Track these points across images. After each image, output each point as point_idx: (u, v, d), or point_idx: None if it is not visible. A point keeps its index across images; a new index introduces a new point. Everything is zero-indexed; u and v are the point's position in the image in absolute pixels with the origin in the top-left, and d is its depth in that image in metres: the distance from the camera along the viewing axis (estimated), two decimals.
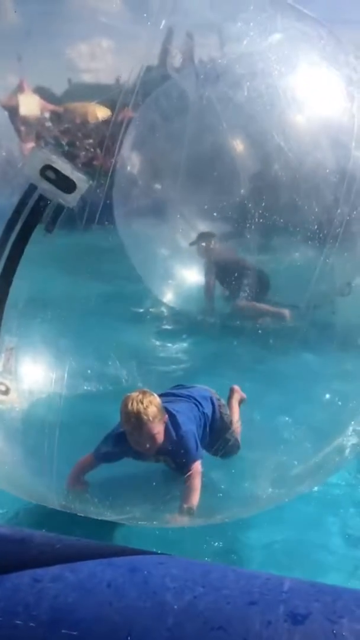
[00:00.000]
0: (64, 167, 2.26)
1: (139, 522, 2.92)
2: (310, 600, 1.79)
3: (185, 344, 4.55)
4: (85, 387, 3.63)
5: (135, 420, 2.76)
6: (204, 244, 4.77)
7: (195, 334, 4.55)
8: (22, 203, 2.24)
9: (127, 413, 2.79)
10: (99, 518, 2.85)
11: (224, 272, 4.76)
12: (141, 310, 4.68)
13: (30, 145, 2.70)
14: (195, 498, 2.87)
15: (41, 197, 2.24)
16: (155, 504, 2.93)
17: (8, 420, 2.98)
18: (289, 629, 1.71)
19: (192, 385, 3.37)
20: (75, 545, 2.14)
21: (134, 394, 2.82)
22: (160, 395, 2.98)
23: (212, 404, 3.26)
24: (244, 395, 3.62)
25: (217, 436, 3.19)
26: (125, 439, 2.86)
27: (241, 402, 3.59)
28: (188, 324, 4.67)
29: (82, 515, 2.81)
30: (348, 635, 1.68)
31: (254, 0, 2.84)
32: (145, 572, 1.93)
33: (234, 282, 4.64)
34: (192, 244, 4.79)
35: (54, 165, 2.25)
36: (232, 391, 3.59)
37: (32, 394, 3.05)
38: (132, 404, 2.77)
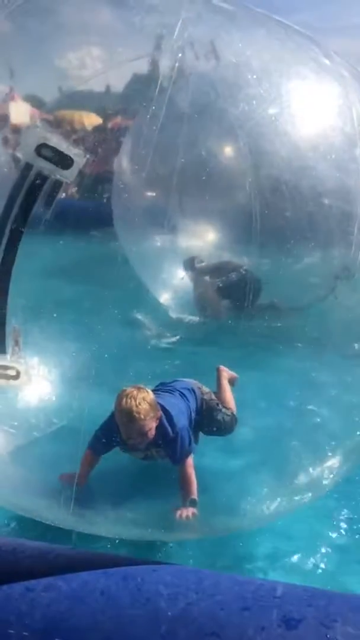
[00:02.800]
0: (60, 143, 2.28)
1: (150, 534, 2.91)
2: (303, 605, 1.79)
3: (184, 348, 4.56)
4: (84, 391, 3.63)
5: (127, 417, 2.79)
6: (191, 269, 4.87)
7: (196, 337, 4.56)
8: (19, 183, 2.25)
9: (120, 409, 2.82)
10: (110, 535, 2.85)
11: (215, 277, 4.83)
12: (142, 314, 4.69)
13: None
14: (195, 488, 2.93)
15: (38, 174, 2.26)
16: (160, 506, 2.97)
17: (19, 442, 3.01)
18: (282, 634, 1.71)
19: (174, 380, 3.41)
20: (67, 554, 2.13)
21: (128, 390, 2.84)
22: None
23: (194, 394, 3.33)
24: (234, 374, 3.68)
25: (207, 421, 3.28)
26: (117, 430, 2.89)
27: (234, 381, 3.66)
28: (190, 328, 4.69)
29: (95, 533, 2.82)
30: (341, 639, 1.68)
31: (258, 69, 2.85)
32: (139, 579, 1.93)
33: (226, 287, 4.68)
34: (182, 278, 4.88)
35: (49, 142, 2.27)
36: (219, 371, 3.66)
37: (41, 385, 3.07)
38: (125, 400, 2.80)
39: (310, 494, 3.10)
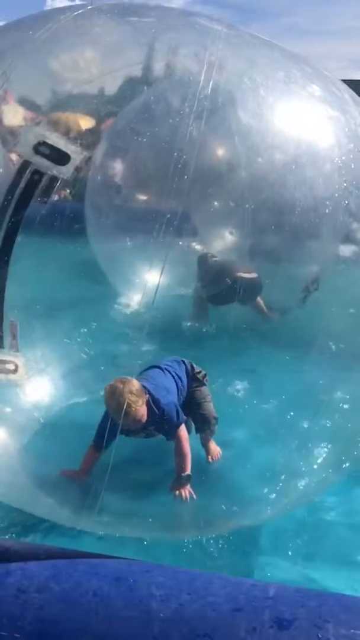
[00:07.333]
0: (58, 141, 2.35)
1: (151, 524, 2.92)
2: (295, 606, 1.80)
3: (171, 352, 4.56)
4: (74, 394, 3.63)
5: (119, 412, 2.87)
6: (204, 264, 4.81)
7: (182, 341, 4.55)
8: (16, 179, 2.30)
9: (110, 406, 2.92)
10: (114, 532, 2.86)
11: (212, 279, 4.78)
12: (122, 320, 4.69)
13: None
14: (189, 463, 3.05)
15: (36, 171, 2.33)
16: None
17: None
18: (274, 634, 1.72)
19: (159, 361, 3.45)
20: (60, 555, 2.12)
21: (114, 385, 2.93)
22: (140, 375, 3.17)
23: (184, 366, 3.41)
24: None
25: (193, 396, 3.36)
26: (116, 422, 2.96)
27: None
28: (173, 333, 4.68)
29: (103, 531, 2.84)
30: None
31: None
32: (131, 580, 1.93)
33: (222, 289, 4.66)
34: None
35: (48, 141, 2.33)
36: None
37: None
38: (113, 396, 2.89)
39: (309, 493, 3.12)
